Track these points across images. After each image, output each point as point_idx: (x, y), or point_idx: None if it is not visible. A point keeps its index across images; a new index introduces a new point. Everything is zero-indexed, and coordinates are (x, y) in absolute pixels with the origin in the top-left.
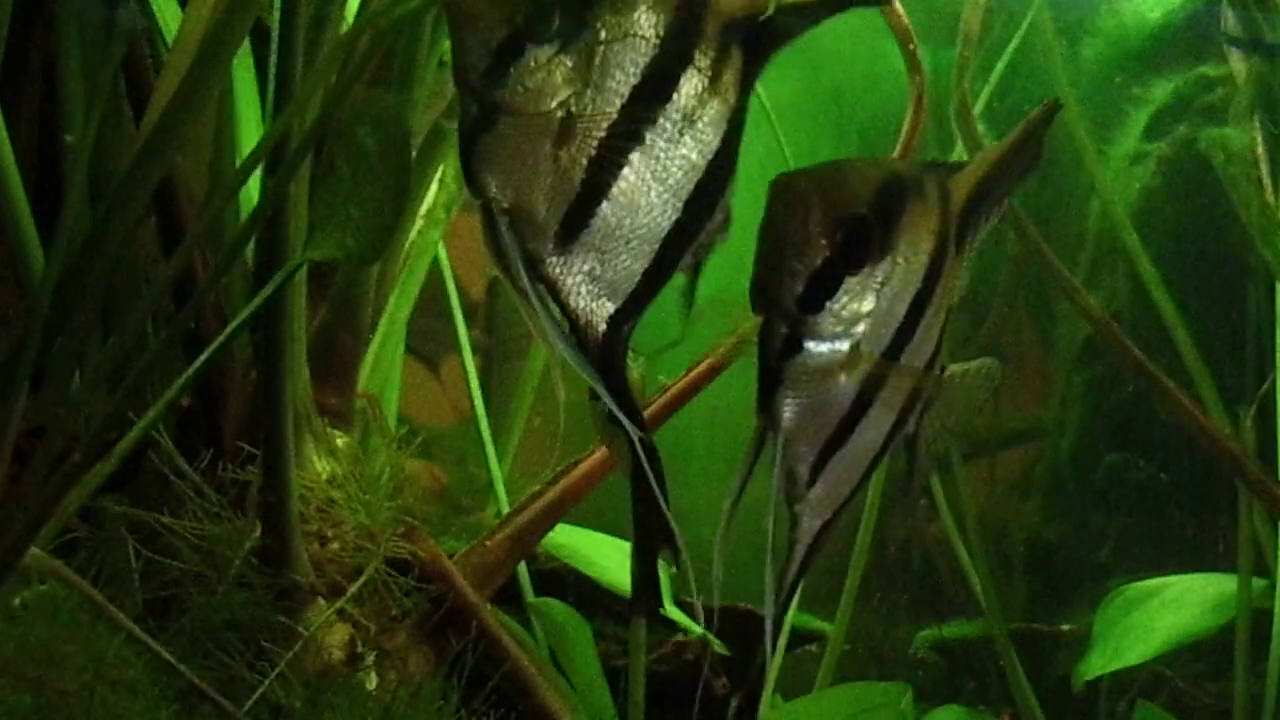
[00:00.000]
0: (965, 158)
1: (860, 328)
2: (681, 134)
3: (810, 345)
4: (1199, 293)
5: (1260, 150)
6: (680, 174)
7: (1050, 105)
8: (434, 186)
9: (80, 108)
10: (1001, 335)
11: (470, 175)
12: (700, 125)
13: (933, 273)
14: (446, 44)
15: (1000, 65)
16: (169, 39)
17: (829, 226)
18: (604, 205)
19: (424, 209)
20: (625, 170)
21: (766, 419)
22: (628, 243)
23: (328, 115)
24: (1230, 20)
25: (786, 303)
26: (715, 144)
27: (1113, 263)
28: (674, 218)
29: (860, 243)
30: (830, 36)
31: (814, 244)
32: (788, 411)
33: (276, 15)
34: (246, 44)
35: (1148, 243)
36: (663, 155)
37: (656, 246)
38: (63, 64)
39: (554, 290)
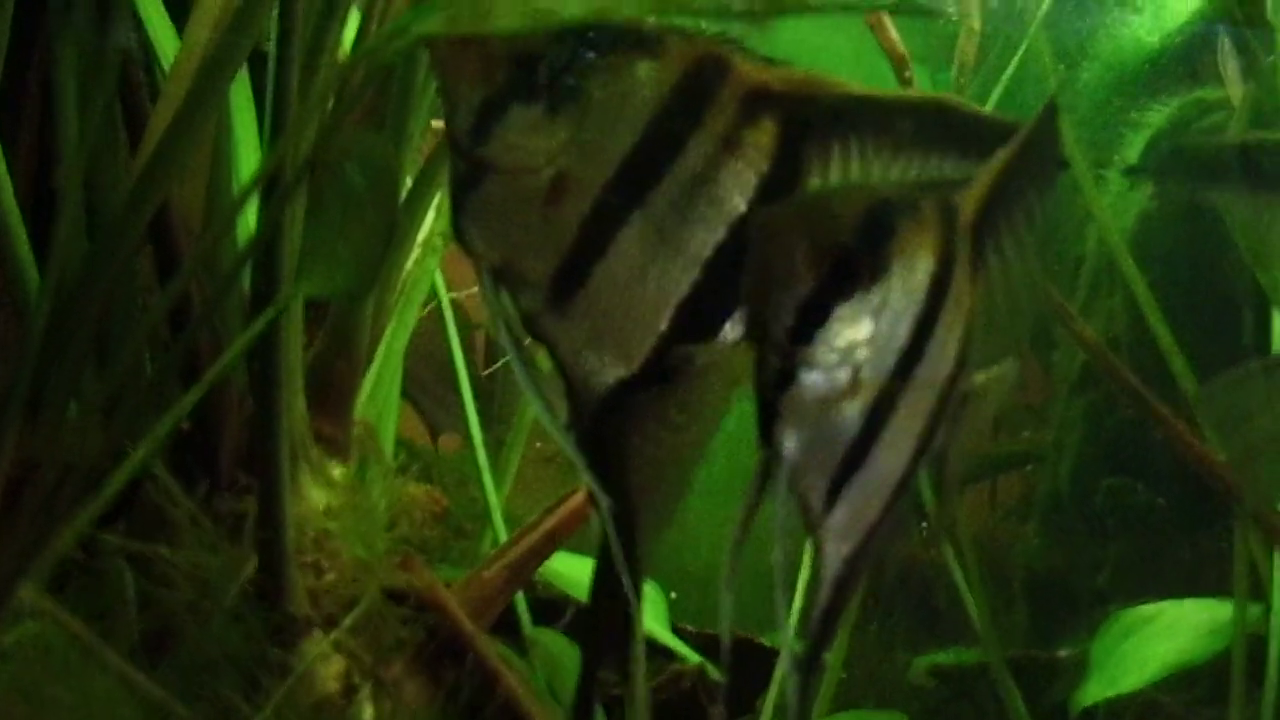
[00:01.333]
0: None
1: (859, 353)
2: (692, 195)
3: (805, 376)
4: (1195, 318)
5: None
6: (694, 237)
7: (1048, 105)
8: (431, 214)
9: (75, 133)
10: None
11: (459, 232)
12: (716, 187)
13: (936, 290)
14: None
15: (997, 92)
16: (166, 66)
17: (814, 257)
18: (601, 264)
19: (421, 237)
20: (624, 229)
21: (769, 452)
22: (635, 306)
23: (323, 145)
24: (1226, 45)
25: (777, 336)
26: (741, 207)
27: (1110, 288)
28: (692, 280)
29: (848, 271)
30: (827, 58)
31: (800, 276)
32: (789, 443)
33: (273, 41)
34: (244, 70)
35: (1144, 268)
36: (669, 216)
37: (672, 310)
38: (59, 90)
39: (551, 348)
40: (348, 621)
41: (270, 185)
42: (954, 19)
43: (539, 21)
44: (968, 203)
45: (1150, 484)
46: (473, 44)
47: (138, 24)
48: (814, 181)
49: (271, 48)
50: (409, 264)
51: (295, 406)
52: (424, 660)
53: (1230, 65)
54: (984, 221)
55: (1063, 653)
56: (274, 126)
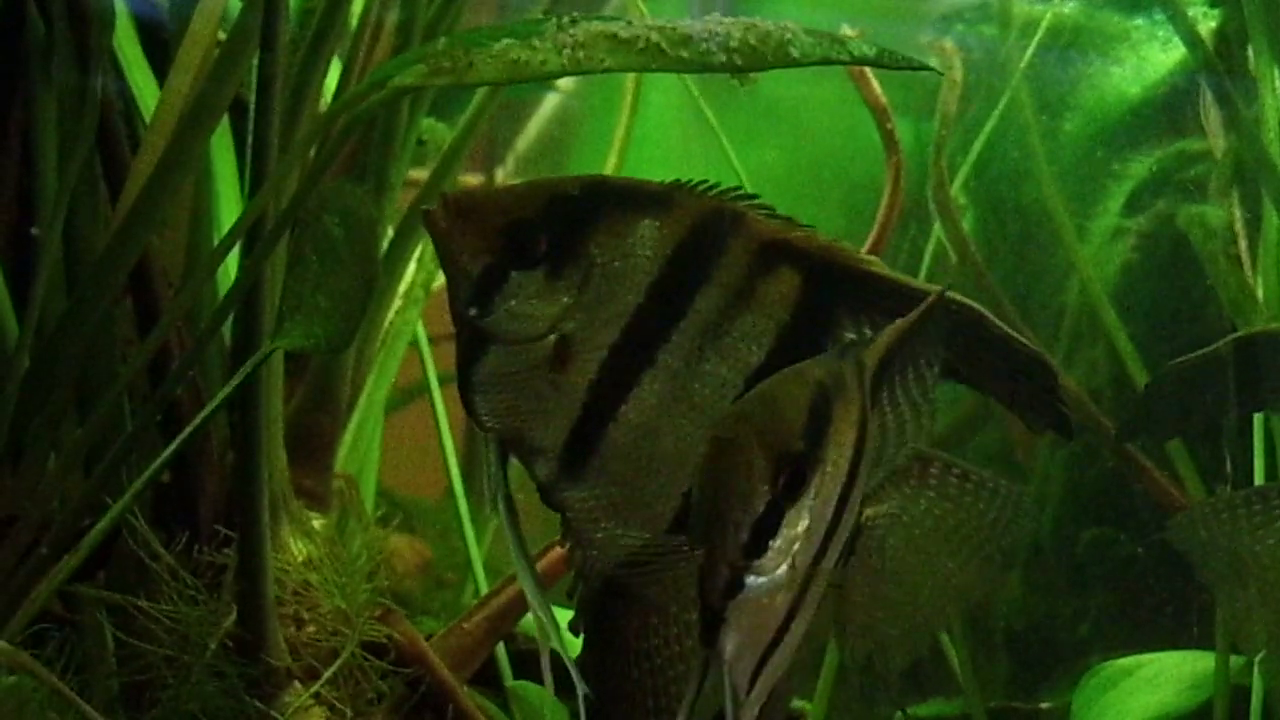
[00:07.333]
0: (943, 235)
1: (797, 546)
2: (703, 351)
3: (752, 582)
4: None
5: (1238, 226)
6: (709, 392)
7: (939, 293)
8: (412, 265)
9: (55, 184)
10: (984, 409)
11: (468, 405)
12: (730, 340)
13: (856, 461)
14: (425, 123)
15: (978, 144)
16: (146, 115)
17: (769, 472)
18: (612, 429)
19: (402, 288)
20: (635, 391)
21: (710, 653)
22: (652, 468)
23: (304, 195)
24: (1209, 96)
25: (732, 551)
26: (758, 359)
27: (1092, 339)
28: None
29: (798, 477)
30: (810, 108)
31: (757, 493)
32: (730, 645)
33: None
34: (225, 120)
35: (1126, 319)
36: (681, 373)
37: (693, 470)
38: (39, 140)
39: (567, 518)
40: (328, 673)
41: (251, 236)
42: (936, 71)
43: (519, 74)
44: (871, 356)
45: (1132, 535)
46: (469, 214)
47: (118, 73)
48: (845, 336)
49: (252, 97)
50: (390, 315)
51: (276, 458)
52: (405, 713)
53: (1212, 117)
54: (881, 373)
55: (1045, 704)
56: (254, 177)
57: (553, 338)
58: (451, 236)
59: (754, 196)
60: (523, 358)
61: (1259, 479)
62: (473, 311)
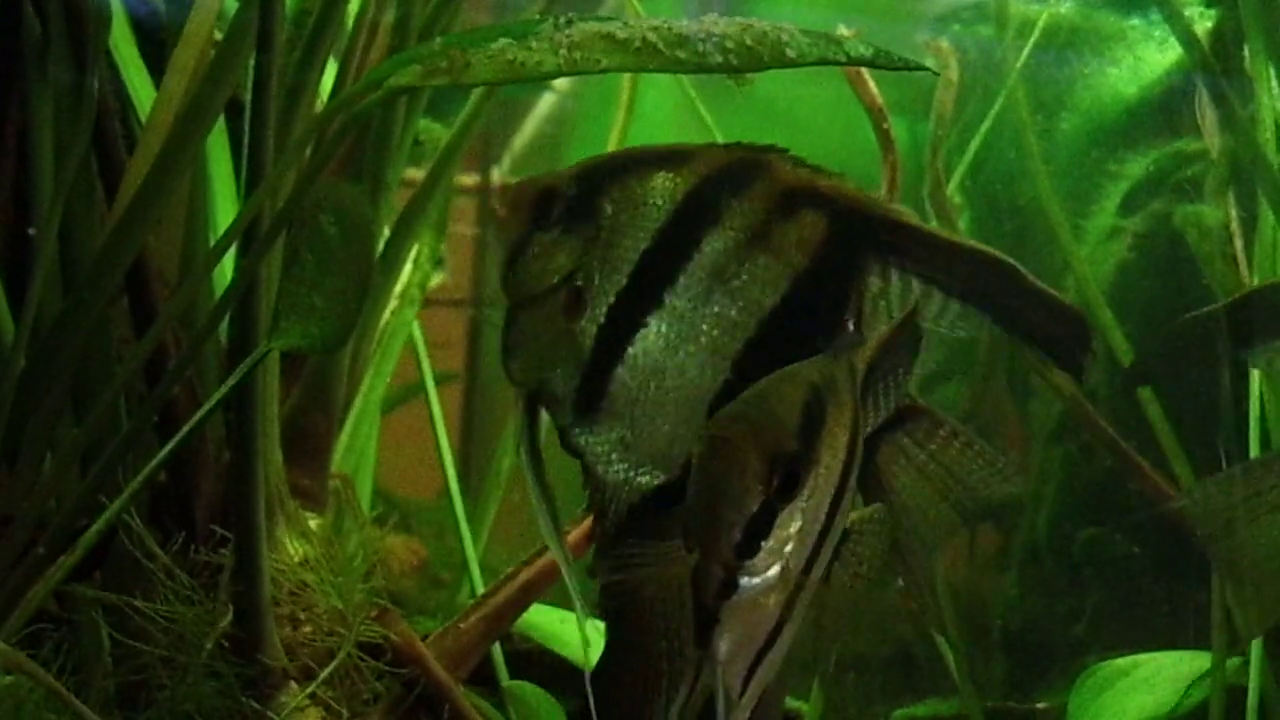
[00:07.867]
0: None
1: (789, 547)
2: (710, 293)
3: (745, 583)
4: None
5: (1234, 226)
6: (718, 333)
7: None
8: (408, 265)
9: (51, 184)
10: (980, 408)
11: (505, 368)
12: (739, 283)
13: (849, 462)
14: (421, 124)
15: (975, 144)
16: (142, 116)
17: (763, 471)
18: (620, 370)
19: (398, 288)
20: (641, 333)
21: (703, 654)
22: (661, 408)
23: (300, 195)
24: (1204, 96)
25: (724, 551)
26: (771, 301)
27: None
28: (720, 378)
29: (792, 478)
30: (807, 107)
31: (751, 492)
32: (724, 645)
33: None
34: (221, 120)
35: (1122, 318)
36: (688, 315)
37: (704, 411)
38: (35, 141)
39: (582, 461)
40: (324, 674)
41: (247, 236)
42: (932, 71)
43: (515, 75)
44: (861, 360)
45: (1128, 534)
46: (513, 197)
47: (114, 73)
48: (873, 284)
49: (248, 97)
50: (386, 315)
51: (272, 458)
52: (401, 713)
53: (1208, 116)
54: (869, 379)
55: (1041, 704)
56: (250, 177)
57: (564, 287)
58: (496, 214)
59: (785, 150)
60: (541, 310)
61: None
62: (505, 278)
